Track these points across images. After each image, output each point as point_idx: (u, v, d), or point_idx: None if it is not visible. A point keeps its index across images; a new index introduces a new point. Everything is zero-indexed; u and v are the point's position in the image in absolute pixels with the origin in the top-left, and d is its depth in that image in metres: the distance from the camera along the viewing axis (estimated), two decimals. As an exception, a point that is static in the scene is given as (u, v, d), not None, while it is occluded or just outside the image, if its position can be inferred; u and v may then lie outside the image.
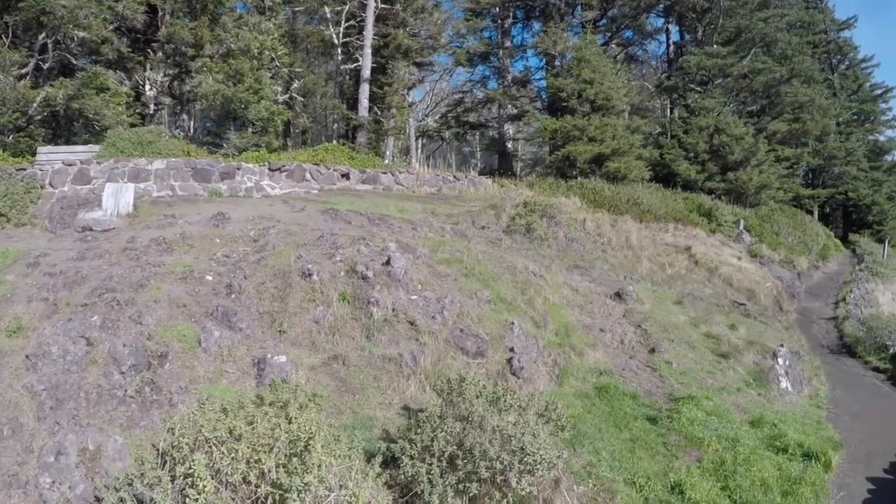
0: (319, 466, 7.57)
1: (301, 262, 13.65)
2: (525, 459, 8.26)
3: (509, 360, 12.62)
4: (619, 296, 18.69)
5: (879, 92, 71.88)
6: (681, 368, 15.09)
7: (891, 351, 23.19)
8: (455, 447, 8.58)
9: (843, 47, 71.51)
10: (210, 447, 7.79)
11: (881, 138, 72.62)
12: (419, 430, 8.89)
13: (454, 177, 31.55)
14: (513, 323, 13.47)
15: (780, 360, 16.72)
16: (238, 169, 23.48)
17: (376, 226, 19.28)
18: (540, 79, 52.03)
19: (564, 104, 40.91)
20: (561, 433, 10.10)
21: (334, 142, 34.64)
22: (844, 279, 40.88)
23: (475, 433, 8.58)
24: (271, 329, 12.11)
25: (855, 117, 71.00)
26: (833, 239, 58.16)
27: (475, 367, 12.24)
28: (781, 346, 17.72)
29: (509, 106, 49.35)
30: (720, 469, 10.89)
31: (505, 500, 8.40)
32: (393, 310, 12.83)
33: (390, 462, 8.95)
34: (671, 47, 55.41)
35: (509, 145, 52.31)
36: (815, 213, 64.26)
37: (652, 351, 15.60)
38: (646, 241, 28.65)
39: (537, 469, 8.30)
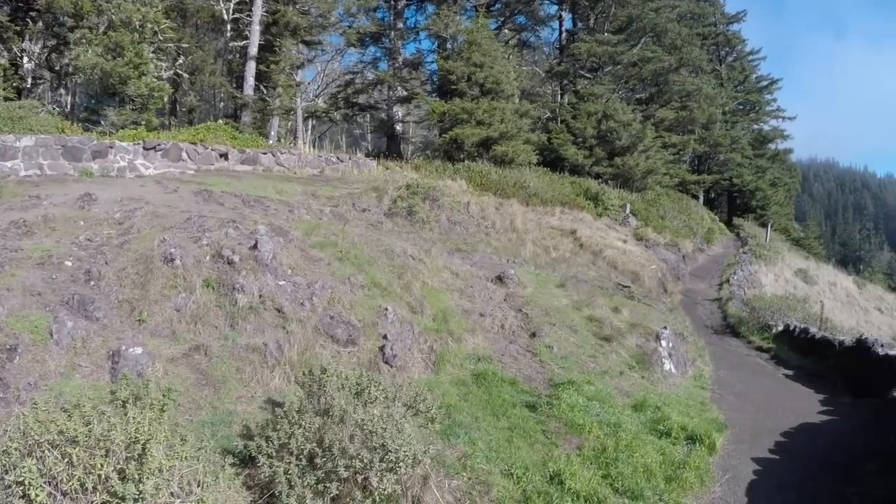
0: (160, 471, 6.89)
1: (164, 246, 12.73)
2: (387, 457, 7.63)
3: (382, 348, 11.93)
4: (500, 279, 18.17)
5: (765, 83, 75.78)
6: (562, 353, 14.66)
7: (773, 331, 23.73)
8: (315, 444, 7.94)
9: (732, 40, 74.65)
10: (43, 452, 7.02)
11: (765, 128, 76.43)
12: (277, 427, 8.28)
13: (338, 158, 30.85)
14: (387, 309, 12.83)
15: (664, 342, 16.56)
16: (111, 147, 22.32)
17: (251, 208, 18.46)
18: (432, 62, 51.40)
19: (454, 87, 40.35)
20: (431, 425, 9.56)
21: (220, 121, 33.51)
22: (728, 261, 42.21)
23: (335, 429, 7.98)
24: (130, 318, 11.18)
25: (741, 107, 74.55)
26: (718, 223, 60.16)
27: (346, 355, 11.59)
28: (665, 327, 17.57)
29: (399, 88, 48.67)
30: (601, 456, 10.43)
31: (369, 500, 7.81)
32: (260, 296, 12.07)
33: (249, 461, 8.31)
34: (564, 34, 55.61)
35: (398, 128, 51.63)
36: (701, 197, 66.60)
37: (533, 335, 15.10)
38: (531, 224, 28.53)
39: (399, 467, 7.75)
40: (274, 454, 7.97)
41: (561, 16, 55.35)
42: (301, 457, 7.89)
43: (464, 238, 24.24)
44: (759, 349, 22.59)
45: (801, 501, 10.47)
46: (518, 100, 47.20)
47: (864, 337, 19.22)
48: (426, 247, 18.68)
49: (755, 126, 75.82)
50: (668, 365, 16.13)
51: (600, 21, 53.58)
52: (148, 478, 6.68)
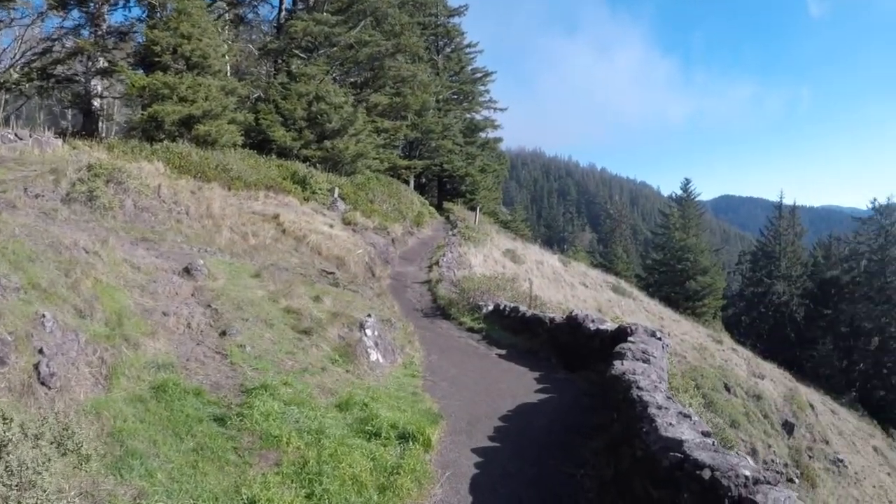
0: None
1: None
2: (10, 523, 6.05)
3: (37, 366, 9.89)
4: (188, 271, 16.17)
5: (479, 75, 78.72)
6: (256, 352, 13.05)
7: (484, 311, 23.74)
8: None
9: (451, 32, 76.58)
10: None
11: (477, 117, 79.23)
12: None
13: (17, 136, 27.68)
14: (45, 315, 10.75)
15: (369, 331, 15.58)
16: None
17: None
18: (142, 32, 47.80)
19: (158, 59, 37.20)
20: (86, 465, 7.98)
21: None
22: (438, 244, 42.72)
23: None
24: None
25: (455, 96, 76.89)
26: (428, 207, 61.64)
27: (-7, 379, 9.60)
28: (369, 315, 16.55)
29: (101, 59, 44.66)
30: (303, 471, 9.06)
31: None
32: None
33: None
34: (283, 12, 54.12)
35: (96, 104, 47.28)
36: (412, 182, 68.33)
37: (223, 334, 13.30)
38: (231, 209, 26.99)
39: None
40: None
41: (282, -7, 53.90)
42: None
43: (152, 226, 22.13)
44: (471, 330, 22.47)
45: (530, 489, 9.87)
46: (229, 76, 45.24)
47: (574, 313, 19.38)
48: (104, 237, 16.63)
49: (468, 115, 78.34)
50: (374, 355, 15.15)
51: (321, 1, 52.75)
52: None
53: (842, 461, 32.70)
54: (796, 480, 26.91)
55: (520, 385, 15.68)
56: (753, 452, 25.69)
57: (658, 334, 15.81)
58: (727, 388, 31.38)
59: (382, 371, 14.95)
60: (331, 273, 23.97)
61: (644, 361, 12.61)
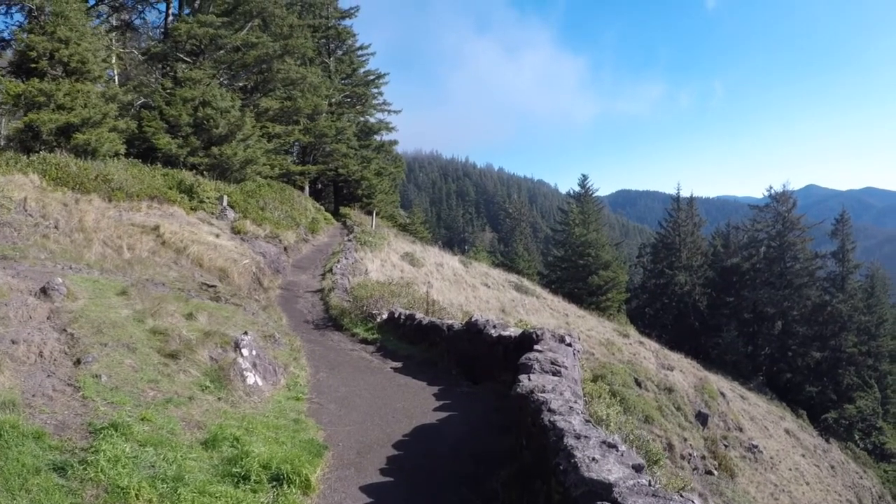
0: None
1: None
2: None
3: None
4: (45, 292, 14.35)
5: (372, 78, 78.69)
6: (113, 382, 11.22)
7: (378, 320, 22.53)
8: None
9: (342, 34, 76.46)
10: None
11: (371, 120, 79.44)
12: None
13: None
14: None
15: (245, 351, 13.96)
16: None
17: None
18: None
19: (35, 65, 35.12)
20: None
21: None
22: (334, 250, 41.95)
23: None
24: None
25: (348, 99, 76.82)
26: (324, 212, 61.25)
27: None
28: (246, 333, 14.97)
29: (-22, 69, 41.94)
30: None
31: None
32: None
33: None
34: (171, 17, 52.22)
35: (-25, 116, 44.91)
36: (307, 188, 68.00)
37: (78, 362, 11.47)
38: (107, 222, 25.06)
39: None
40: None
41: (169, -2, 51.94)
42: None
43: (13, 242, 20.23)
44: (365, 342, 21.27)
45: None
46: (115, 83, 43.11)
47: (474, 319, 18.08)
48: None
49: (361, 118, 78.29)
50: (252, 377, 13.53)
51: (206, 3, 51.01)
52: None
53: (756, 447, 33.02)
54: (715, 472, 26.68)
55: (417, 403, 14.45)
56: (670, 447, 25.20)
57: (567, 339, 14.42)
58: (638, 383, 31.00)
59: (262, 396, 13.42)
60: (212, 286, 22.47)
61: (554, 374, 11.28)
